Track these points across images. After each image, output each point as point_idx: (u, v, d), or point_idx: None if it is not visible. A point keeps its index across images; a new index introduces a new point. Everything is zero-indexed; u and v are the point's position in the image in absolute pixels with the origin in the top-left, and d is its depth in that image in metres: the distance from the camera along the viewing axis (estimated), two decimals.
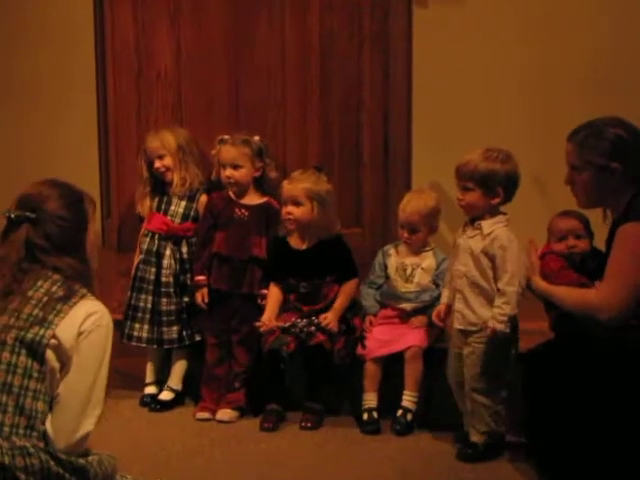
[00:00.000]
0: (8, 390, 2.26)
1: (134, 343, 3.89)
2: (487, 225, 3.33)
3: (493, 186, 3.29)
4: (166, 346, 3.89)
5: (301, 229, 3.72)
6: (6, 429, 2.25)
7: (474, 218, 3.37)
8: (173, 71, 4.08)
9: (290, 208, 3.69)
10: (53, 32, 4.83)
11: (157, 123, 4.07)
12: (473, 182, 3.31)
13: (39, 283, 2.34)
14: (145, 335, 3.86)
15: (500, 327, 3.26)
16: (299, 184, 3.69)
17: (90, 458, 2.36)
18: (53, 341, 2.28)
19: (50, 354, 2.28)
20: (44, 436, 2.30)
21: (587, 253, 3.27)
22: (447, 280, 3.52)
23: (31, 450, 2.24)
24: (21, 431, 2.26)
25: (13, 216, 2.36)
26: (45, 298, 2.32)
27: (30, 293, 2.32)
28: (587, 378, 2.91)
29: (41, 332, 2.28)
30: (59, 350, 2.29)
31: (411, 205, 3.66)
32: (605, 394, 2.88)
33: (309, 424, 3.63)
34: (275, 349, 3.61)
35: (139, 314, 3.87)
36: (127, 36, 4.10)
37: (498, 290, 3.29)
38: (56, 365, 2.30)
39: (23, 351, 2.27)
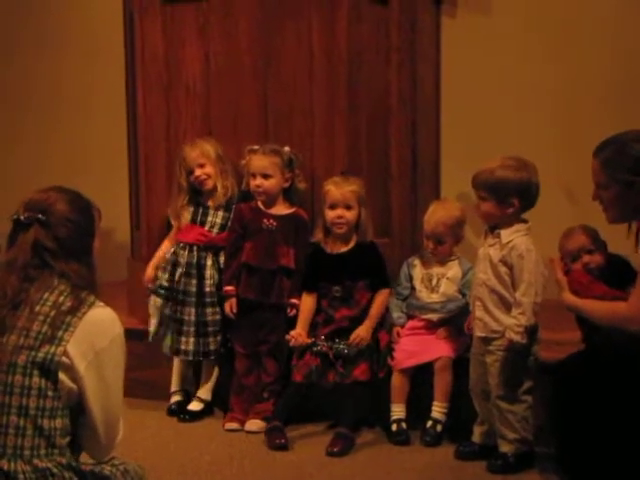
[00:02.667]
0: (25, 413, 2.21)
1: (181, 357, 3.89)
2: (506, 234, 3.30)
3: (506, 195, 3.26)
4: (212, 357, 3.89)
5: (346, 232, 3.74)
6: (27, 452, 2.21)
7: (494, 226, 3.35)
8: (202, 84, 4.08)
9: (341, 211, 3.70)
10: (84, 46, 4.90)
11: (186, 136, 4.08)
12: (486, 191, 3.29)
13: (45, 296, 2.28)
14: (192, 348, 3.85)
15: (516, 338, 3.24)
16: (347, 187, 3.71)
17: (114, 469, 2.33)
18: (65, 359, 2.23)
19: (62, 375, 2.24)
20: (67, 447, 2.28)
21: (603, 265, 3.23)
22: (473, 289, 3.51)
23: (54, 470, 2.21)
24: (42, 451, 2.22)
25: (23, 218, 2.31)
26: (53, 312, 2.26)
27: (37, 308, 2.27)
28: (618, 389, 2.89)
29: (52, 350, 2.23)
30: (71, 368, 2.25)
31: (436, 216, 3.65)
32: (636, 405, 2.85)
33: (335, 449, 3.51)
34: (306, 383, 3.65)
35: (184, 327, 3.85)
36: (157, 50, 4.11)
37: (515, 300, 3.27)
38: (71, 384, 2.26)
39: (35, 372, 2.22)
